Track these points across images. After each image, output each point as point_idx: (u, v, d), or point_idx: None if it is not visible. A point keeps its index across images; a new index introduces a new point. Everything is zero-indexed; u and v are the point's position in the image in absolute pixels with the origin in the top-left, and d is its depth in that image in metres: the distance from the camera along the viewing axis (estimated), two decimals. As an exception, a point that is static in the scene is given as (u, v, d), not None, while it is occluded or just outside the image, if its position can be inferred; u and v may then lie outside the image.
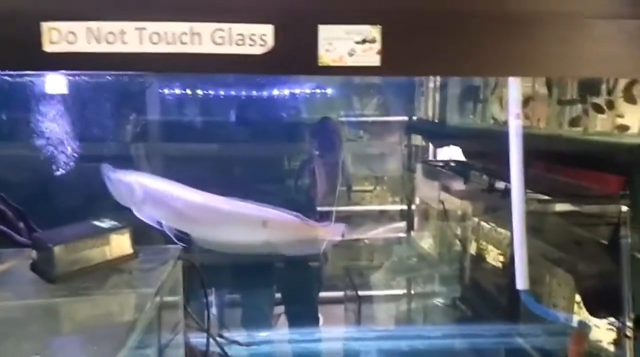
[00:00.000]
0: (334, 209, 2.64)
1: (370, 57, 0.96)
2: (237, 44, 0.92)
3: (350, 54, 0.95)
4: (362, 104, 3.25)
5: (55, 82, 1.17)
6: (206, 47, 0.91)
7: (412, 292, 2.70)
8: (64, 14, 0.87)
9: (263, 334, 2.00)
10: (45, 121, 1.23)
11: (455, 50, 1.00)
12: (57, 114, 1.24)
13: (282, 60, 0.94)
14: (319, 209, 2.57)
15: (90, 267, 0.86)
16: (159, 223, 1.09)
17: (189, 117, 2.60)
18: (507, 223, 2.09)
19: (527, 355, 1.71)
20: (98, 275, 0.87)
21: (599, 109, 1.58)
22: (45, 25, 0.87)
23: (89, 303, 0.78)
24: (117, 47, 0.88)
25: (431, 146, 3.19)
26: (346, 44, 0.95)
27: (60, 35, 0.87)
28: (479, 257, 2.34)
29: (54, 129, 1.23)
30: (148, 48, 0.89)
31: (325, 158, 2.38)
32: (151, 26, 0.89)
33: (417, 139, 3.20)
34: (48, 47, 0.87)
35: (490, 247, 2.27)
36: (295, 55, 0.95)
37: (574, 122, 1.74)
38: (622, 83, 1.52)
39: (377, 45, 0.96)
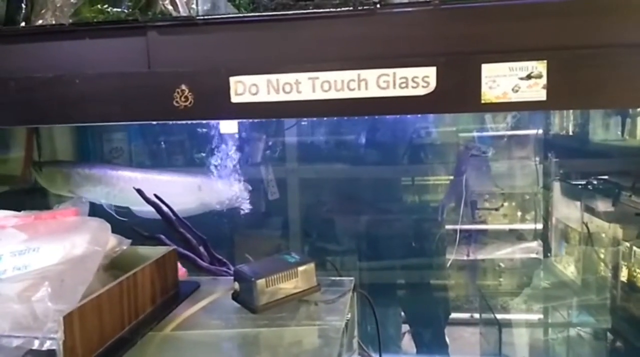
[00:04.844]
0: (458, 227, 2.58)
1: (536, 92, 0.94)
2: (401, 87, 0.96)
3: (515, 90, 0.95)
4: (492, 116, 3.12)
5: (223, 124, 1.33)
6: (372, 92, 0.96)
7: (550, 320, 2.53)
8: (248, 69, 0.98)
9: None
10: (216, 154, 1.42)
11: (622, 82, 0.95)
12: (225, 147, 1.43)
13: (445, 99, 0.96)
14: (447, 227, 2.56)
15: (283, 298, 0.96)
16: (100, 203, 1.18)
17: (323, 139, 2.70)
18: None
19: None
20: (288, 306, 0.96)
21: None
22: (233, 80, 0.98)
23: (289, 333, 0.87)
24: (293, 96, 0.97)
25: (569, 163, 2.99)
26: (510, 80, 0.95)
27: (244, 88, 0.98)
28: (633, 286, 2.14)
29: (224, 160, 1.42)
30: (320, 95, 0.97)
31: (459, 182, 2.37)
32: (323, 76, 0.96)
33: (553, 155, 3.01)
34: (235, 98, 0.99)
35: (646, 275, 2.07)
36: (457, 94, 0.97)
37: None
38: None
39: (543, 80, 0.94)
